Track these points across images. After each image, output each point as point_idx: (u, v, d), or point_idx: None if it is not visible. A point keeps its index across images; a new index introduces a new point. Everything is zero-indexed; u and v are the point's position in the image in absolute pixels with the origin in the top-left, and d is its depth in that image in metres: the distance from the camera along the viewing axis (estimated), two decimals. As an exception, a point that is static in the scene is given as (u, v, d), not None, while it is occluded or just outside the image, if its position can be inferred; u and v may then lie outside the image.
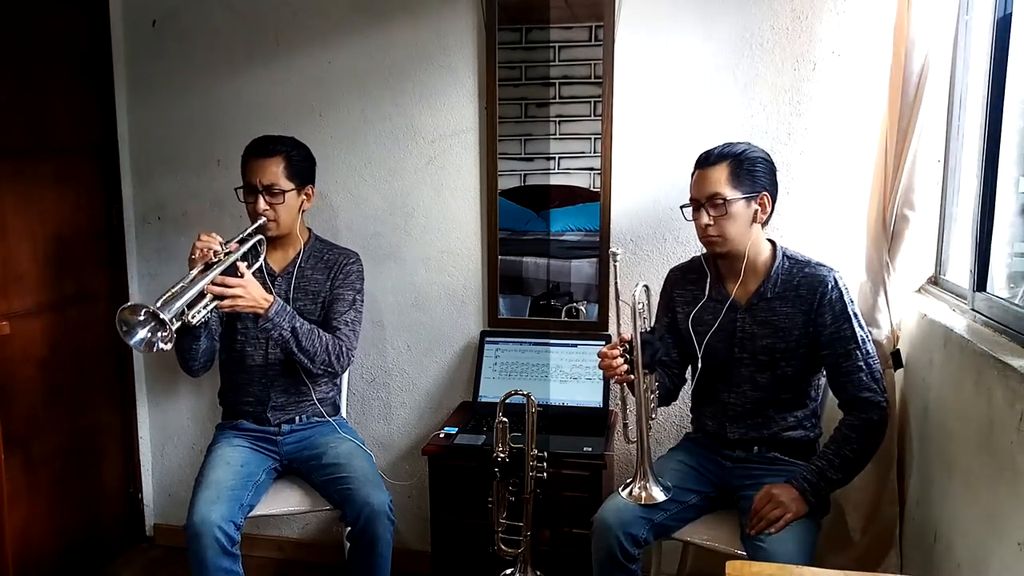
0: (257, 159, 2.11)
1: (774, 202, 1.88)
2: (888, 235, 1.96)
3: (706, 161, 1.84)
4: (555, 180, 2.41)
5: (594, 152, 2.37)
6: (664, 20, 2.28)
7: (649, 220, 2.37)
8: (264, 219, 2.10)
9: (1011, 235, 1.69)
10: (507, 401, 1.94)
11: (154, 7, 2.62)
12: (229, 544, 1.90)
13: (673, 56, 2.29)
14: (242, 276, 1.95)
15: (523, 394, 1.93)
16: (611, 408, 2.35)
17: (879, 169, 1.98)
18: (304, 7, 2.51)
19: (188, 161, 2.67)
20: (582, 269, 2.44)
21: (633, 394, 1.79)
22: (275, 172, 2.10)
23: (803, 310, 1.85)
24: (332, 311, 2.18)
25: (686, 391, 2.11)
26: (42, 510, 2.41)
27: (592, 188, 2.39)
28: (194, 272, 1.91)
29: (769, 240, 1.93)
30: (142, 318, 1.78)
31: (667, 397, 2.03)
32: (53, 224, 2.44)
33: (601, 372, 2.32)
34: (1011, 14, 1.59)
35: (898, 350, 1.99)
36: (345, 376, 2.38)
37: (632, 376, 1.77)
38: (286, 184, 2.12)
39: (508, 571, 2.05)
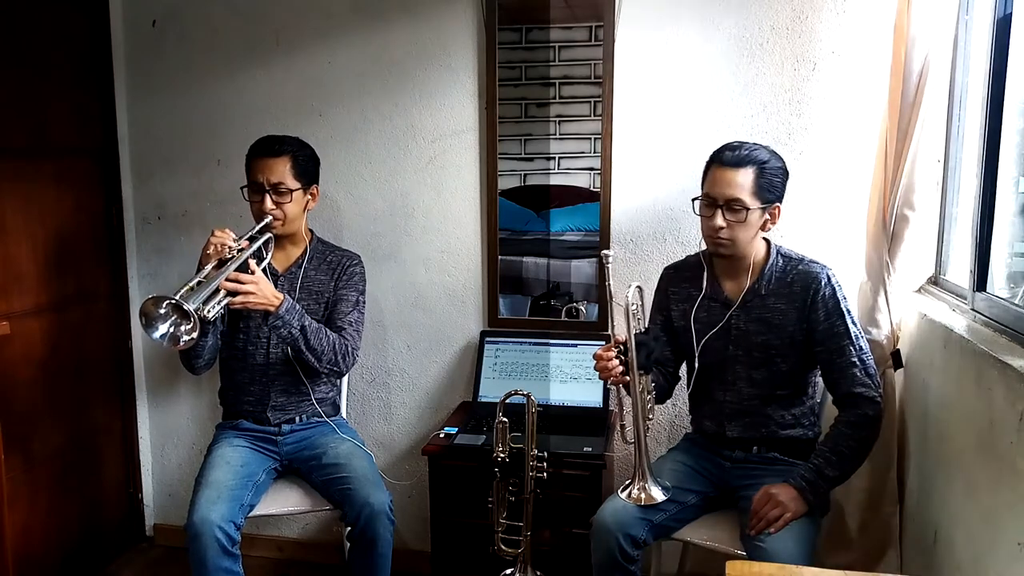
0: (264, 158, 2.11)
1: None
2: (888, 235, 1.96)
3: (731, 161, 1.79)
4: (555, 180, 2.41)
5: (594, 152, 2.37)
6: (664, 20, 2.28)
7: (649, 220, 2.37)
8: (270, 218, 2.10)
9: (1011, 235, 1.69)
10: (507, 401, 1.94)
11: (154, 7, 2.62)
12: (229, 544, 1.91)
13: (673, 56, 2.29)
14: (253, 273, 1.96)
15: (523, 394, 1.93)
16: (611, 408, 2.35)
17: (879, 169, 1.98)
18: (304, 7, 2.51)
19: (188, 161, 2.67)
20: (582, 269, 2.44)
21: (629, 395, 1.79)
22: (282, 171, 2.11)
23: (796, 306, 1.85)
24: (336, 312, 2.18)
25: (684, 392, 2.11)
26: (42, 510, 2.41)
27: (592, 188, 2.39)
28: (209, 267, 1.91)
29: (764, 239, 1.93)
30: (164, 311, 1.78)
31: (661, 395, 2.04)
32: (53, 224, 2.44)
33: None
34: (1011, 14, 1.59)
35: (898, 350, 1.99)
36: (345, 376, 2.38)
37: (628, 378, 1.77)
38: (293, 183, 2.12)
39: (508, 571, 2.05)
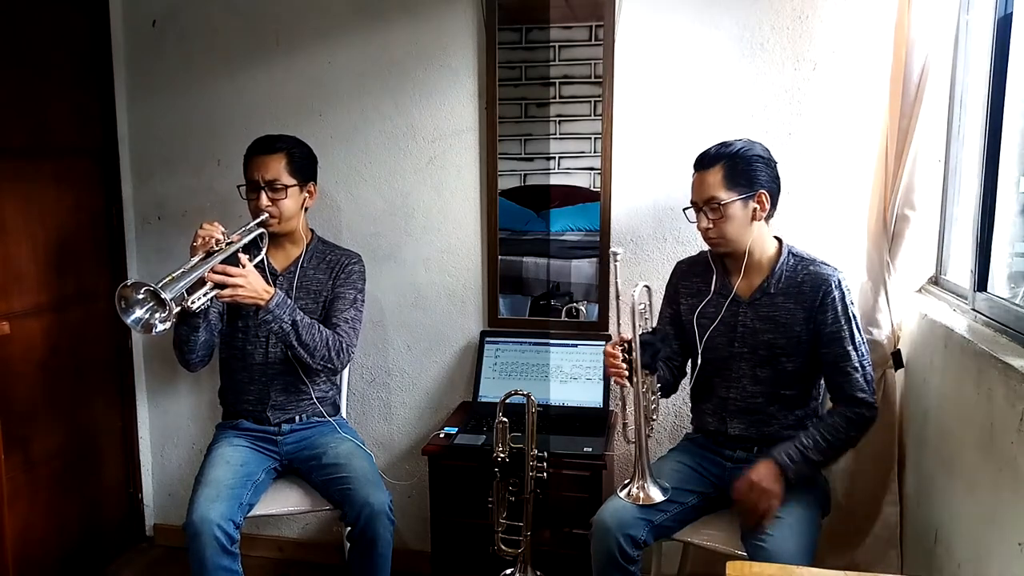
0: (259, 156, 2.12)
1: (775, 198, 1.87)
2: (888, 235, 1.96)
3: (701, 164, 1.86)
4: (555, 180, 2.41)
5: (594, 152, 2.36)
6: (664, 19, 2.28)
7: (649, 220, 2.37)
8: (266, 215, 2.10)
9: (1012, 235, 1.69)
10: (507, 401, 1.94)
11: (154, 7, 2.62)
12: (228, 543, 1.90)
13: (673, 55, 2.29)
14: (243, 267, 1.96)
15: (523, 394, 1.93)
16: (611, 408, 2.35)
17: (879, 169, 1.98)
18: (304, 7, 2.51)
19: (188, 161, 2.67)
20: (582, 269, 2.44)
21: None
22: (277, 168, 2.11)
23: (805, 307, 1.85)
24: (333, 309, 2.18)
25: (684, 392, 2.11)
26: (42, 510, 2.41)
27: (592, 188, 2.39)
28: (195, 259, 1.91)
29: (776, 238, 1.93)
30: (141, 296, 1.78)
31: (667, 389, 2.03)
32: (53, 224, 2.44)
33: (601, 371, 2.34)
34: (1011, 14, 1.59)
35: (899, 350, 1.99)
36: (345, 376, 2.38)
37: (630, 377, 1.77)
38: (288, 180, 2.12)
39: (508, 571, 2.05)
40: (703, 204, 1.84)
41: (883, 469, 1.99)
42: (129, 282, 1.79)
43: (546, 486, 1.98)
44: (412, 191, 2.52)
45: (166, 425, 2.83)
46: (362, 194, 2.56)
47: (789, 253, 1.91)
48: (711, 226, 1.84)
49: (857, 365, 1.80)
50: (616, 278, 1.79)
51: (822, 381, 1.94)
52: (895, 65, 1.91)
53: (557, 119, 2.39)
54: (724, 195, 1.81)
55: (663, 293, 2.10)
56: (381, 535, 1.99)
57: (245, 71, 2.58)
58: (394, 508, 2.04)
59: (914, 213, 1.94)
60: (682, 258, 2.10)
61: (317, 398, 2.23)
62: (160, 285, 1.76)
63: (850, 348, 1.81)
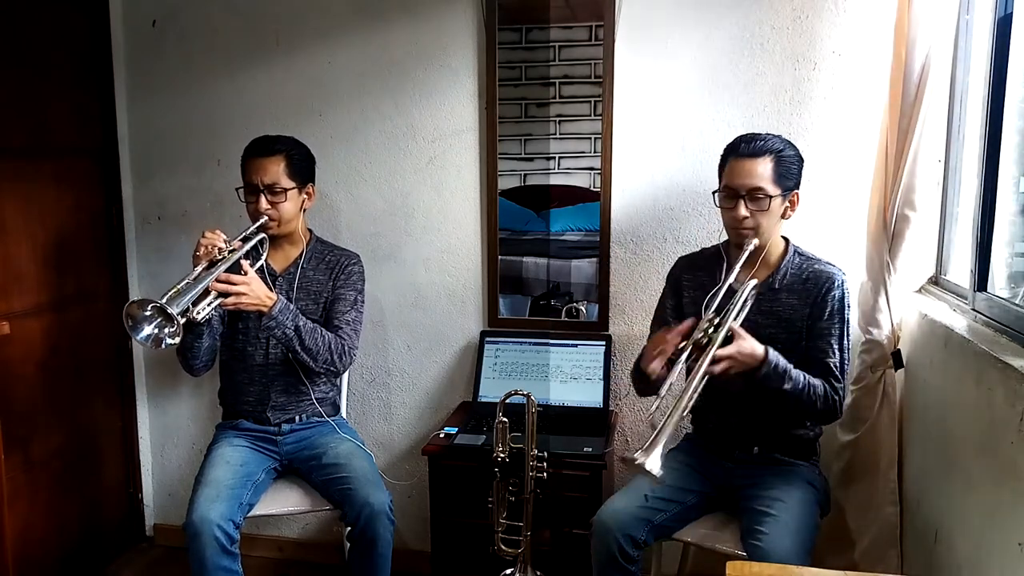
0: (258, 159, 2.12)
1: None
2: (888, 235, 1.96)
3: (749, 152, 1.83)
4: (555, 180, 2.41)
5: (594, 152, 2.36)
6: (664, 20, 2.27)
7: (649, 220, 2.37)
8: (266, 218, 2.10)
9: (1012, 235, 1.69)
10: (507, 401, 1.94)
11: (154, 7, 2.62)
12: (228, 543, 1.90)
13: (673, 55, 2.28)
14: (245, 274, 1.96)
15: (523, 394, 1.93)
16: (611, 408, 2.35)
17: (879, 169, 1.98)
18: (304, 7, 2.51)
19: (188, 161, 2.66)
20: (582, 269, 2.44)
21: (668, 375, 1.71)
22: (276, 171, 2.11)
23: (807, 302, 1.86)
24: (334, 311, 2.18)
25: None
26: (42, 510, 2.41)
27: (592, 188, 2.39)
28: (199, 269, 1.92)
29: (783, 237, 1.95)
30: (148, 313, 1.79)
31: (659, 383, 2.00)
32: (53, 224, 2.44)
33: (601, 371, 2.33)
34: (1011, 14, 1.59)
35: (899, 350, 1.99)
36: (345, 376, 2.38)
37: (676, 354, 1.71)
38: (287, 183, 2.12)
39: (508, 571, 2.05)
40: (745, 192, 1.82)
41: (882, 469, 1.99)
42: (135, 300, 1.79)
43: (546, 486, 1.98)
44: (412, 191, 2.52)
45: (166, 425, 2.83)
46: (362, 194, 2.56)
47: (795, 252, 1.93)
48: (748, 216, 1.82)
49: (836, 363, 1.82)
50: None
51: None
52: (895, 65, 1.91)
53: (557, 119, 2.39)
54: (771, 188, 1.81)
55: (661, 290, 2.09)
56: (381, 535, 1.99)
57: (245, 71, 2.58)
58: (394, 508, 2.04)
59: (914, 213, 1.94)
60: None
61: (317, 398, 2.23)
62: (166, 300, 1.76)
63: (834, 345, 1.82)
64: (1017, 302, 1.57)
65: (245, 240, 2.05)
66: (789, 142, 1.88)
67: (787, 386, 1.75)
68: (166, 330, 1.79)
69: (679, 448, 2.07)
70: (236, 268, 1.96)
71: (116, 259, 2.71)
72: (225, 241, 1.97)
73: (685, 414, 1.62)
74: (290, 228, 2.18)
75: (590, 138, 2.36)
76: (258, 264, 2.09)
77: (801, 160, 1.88)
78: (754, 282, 1.82)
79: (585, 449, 2.09)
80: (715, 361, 1.68)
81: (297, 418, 2.22)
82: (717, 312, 1.76)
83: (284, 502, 2.14)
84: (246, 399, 2.20)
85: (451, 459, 2.16)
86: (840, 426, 2.10)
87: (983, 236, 1.66)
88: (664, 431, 1.58)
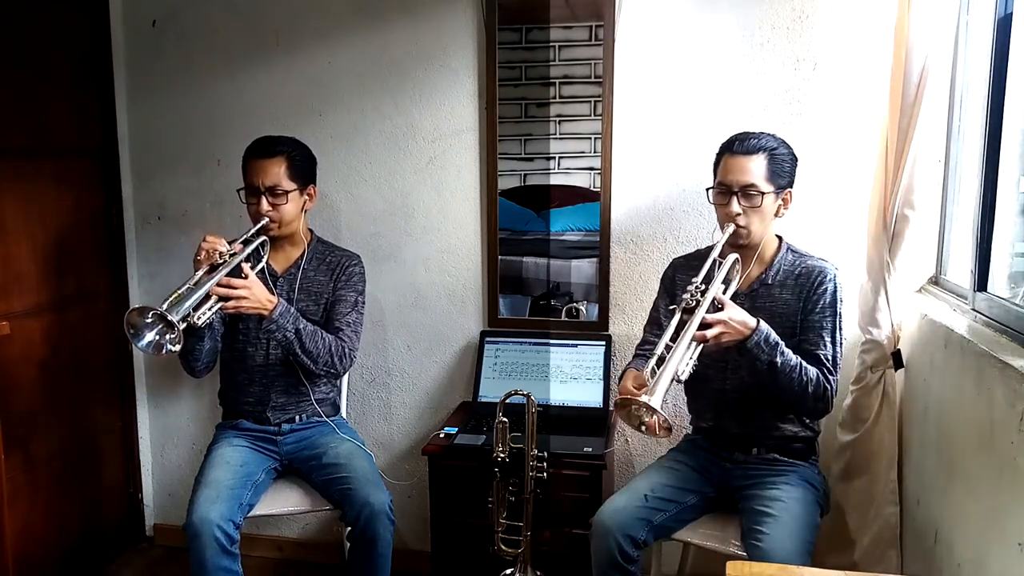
0: (258, 160, 2.11)
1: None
2: (888, 235, 1.96)
3: (743, 149, 1.84)
4: (555, 180, 2.41)
5: (594, 152, 2.36)
6: (664, 19, 2.28)
7: (649, 220, 2.37)
8: (266, 220, 2.10)
9: (1012, 235, 1.69)
10: (507, 401, 1.94)
11: (154, 7, 2.62)
12: (228, 543, 1.90)
13: (673, 55, 2.29)
14: (246, 277, 1.96)
15: (523, 394, 1.93)
16: (611, 408, 2.35)
17: (879, 169, 1.98)
18: (304, 7, 2.51)
19: (188, 161, 2.66)
20: (582, 269, 2.44)
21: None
22: (277, 173, 2.10)
23: (800, 296, 1.87)
24: (334, 312, 2.18)
25: (683, 394, 2.10)
26: (42, 510, 2.41)
27: (592, 188, 2.39)
28: (199, 273, 1.91)
29: (777, 235, 1.96)
30: (149, 320, 1.79)
31: None
32: (53, 224, 2.44)
33: (601, 371, 2.33)
34: (1011, 14, 1.58)
35: (899, 350, 1.99)
36: (345, 376, 2.38)
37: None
38: (288, 185, 2.11)
39: (508, 571, 2.05)
40: (738, 189, 1.83)
41: (883, 469, 1.99)
42: (135, 307, 1.79)
43: (546, 486, 1.98)
44: (412, 191, 2.52)
45: (166, 425, 2.83)
46: (362, 194, 2.56)
47: (788, 249, 1.93)
48: (741, 213, 1.83)
49: (828, 355, 1.82)
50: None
51: None
52: (895, 65, 1.91)
53: (557, 119, 2.39)
54: (764, 186, 1.82)
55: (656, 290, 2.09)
56: (381, 535, 1.99)
57: (245, 71, 2.58)
58: (394, 508, 2.04)
59: (914, 213, 1.94)
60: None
61: (317, 399, 2.23)
62: (166, 307, 1.77)
63: (826, 338, 1.83)
64: (1017, 302, 1.57)
65: (246, 243, 2.05)
66: (783, 140, 1.88)
67: (778, 360, 1.74)
68: (167, 336, 1.79)
69: (678, 448, 2.07)
70: (237, 271, 1.95)
71: (116, 259, 2.71)
72: (226, 245, 1.97)
73: (681, 376, 1.62)
74: (291, 229, 2.18)
75: (590, 138, 2.36)
76: (259, 267, 2.09)
77: (795, 159, 1.89)
78: (735, 256, 1.82)
79: (585, 449, 2.09)
80: (706, 326, 1.68)
81: (297, 418, 2.21)
82: (704, 281, 1.75)
83: (284, 502, 2.14)
84: (246, 399, 2.20)
85: (451, 459, 2.16)
86: (840, 426, 2.10)
87: (983, 236, 1.66)
88: (662, 378, 1.59)
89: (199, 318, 1.86)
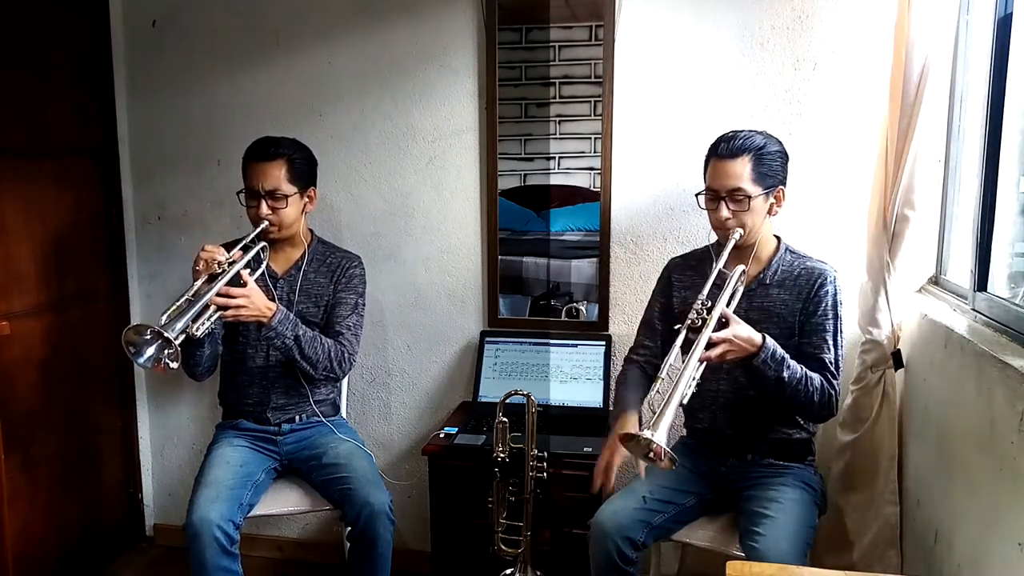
0: (258, 163, 2.09)
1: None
2: (888, 235, 1.95)
3: (727, 152, 1.81)
4: (555, 180, 2.41)
5: (594, 152, 2.36)
6: (664, 20, 2.28)
7: (649, 220, 2.37)
8: (266, 223, 2.09)
9: (1012, 235, 1.69)
10: (507, 401, 1.94)
11: (154, 7, 2.62)
12: (228, 543, 1.90)
13: (673, 55, 2.29)
14: (245, 285, 1.95)
15: (523, 394, 1.93)
16: (611, 408, 2.35)
17: (879, 169, 1.98)
18: (304, 7, 2.51)
19: (188, 161, 2.66)
20: (582, 269, 2.44)
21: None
22: (277, 176, 2.09)
23: (800, 297, 1.86)
24: (334, 315, 2.18)
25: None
26: (42, 510, 2.41)
27: (592, 188, 2.39)
28: (198, 283, 1.90)
29: (775, 235, 1.95)
30: (148, 337, 1.79)
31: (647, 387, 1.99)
32: (53, 224, 2.44)
33: (601, 371, 2.33)
34: (1011, 14, 1.58)
35: (899, 350, 1.99)
36: (343, 380, 2.38)
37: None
38: (288, 188, 2.10)
39: (508, 571, 2.05)
40: (726, 193, 1.81)
41: (883, 469, 1.99)
42: (132, 325, 1.79)
43: (546, 486, 1.98)
44: (412, 191, 2.52)
45: (166, 425, 2.83)
46: (362, 194, 2.56)
47: (787, 249, 1.93)
48: (731, 216, 1.82)
49: (831, 359, 1.81)
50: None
51: None
52: (895, 65, 1.91)
53: (557, 119, 2.39)
54: (751, 188, 1.80)
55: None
56: (381, 535, 1.99)
57: (245, 71, 2.58)
58: (394, 508, 2.04)
59: (914, 213, 1.93)
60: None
61: (318, 400, 2.23)
62: (165, 322, 1.76)
63: (829, 341, 1.82)
64: (1017, 302, 1.57)
65: (245, 249, 2.03)
66: (772, 137, 1.86)
67: (785, 374, 1.73)
68: (166, 352, 1.78)
69: (675, 450, 2.05)
70: (236, 279, 1.95)
71: (116, 259, 2.71)
72: (224, 254, 1.95)
73: (684, 400, 1.58)
74: (291, 232, 2.17)
75: (590, 138, 2.36)
76: (258, 272, 2.08)
77: (785, 155, 1.86)
78: (742, 267, 1.81)
79: (585, 449, 2.09)
80: (712, 345, 1.66)
81: (297, 418, 2.21)
82: (709, 297, 1.73)
83: (284, 502, 2.14)
84: (246, 400, 2.20)
85: (451, 459, 2.16)
86: (840, 426, 2.10)
87: (983, 236, 1.66)
88: (667, 410, 1.53)
89: (197, 329, 1.85)
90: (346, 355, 2.14)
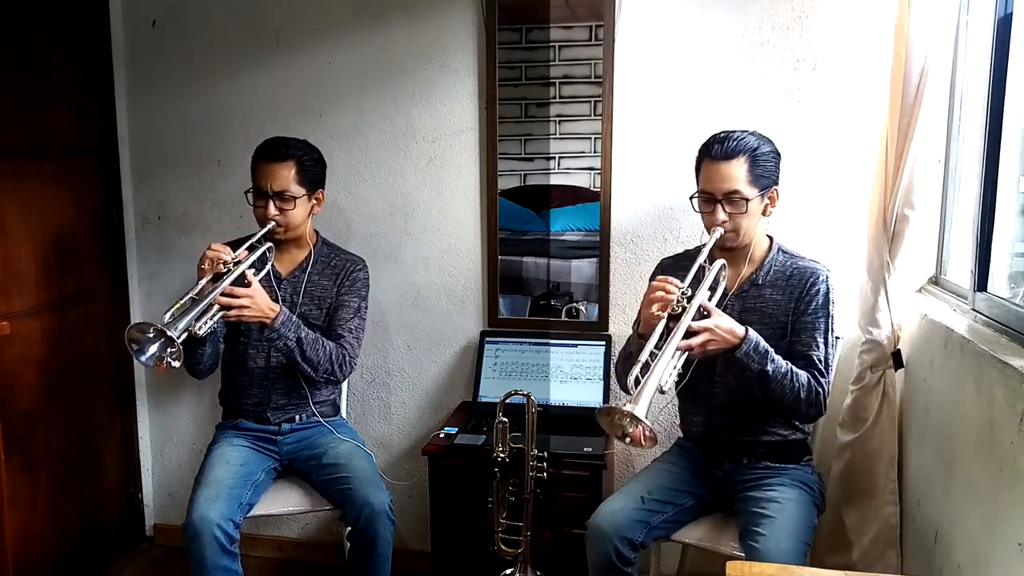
0: (268, 163, 2.09)
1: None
2: (888, 235, 1.95)
3: (722, 154, 1.80)
4: (555, 180, 2.41)
5: (594, 152, 2.36)
6: (664, 20, 2.28)
7: (649, 220, 2.37)
8: (273, 224, 2.09)
9: (1012, 235, 1.69)
10: (507, 401, 1.94)
11: (154, 7, 2.62)
12: (228, 542, 1.90)
13: (673, 55, 2.29)
14: (249, 285, 1.95)
15: (523, 394, 1.93)
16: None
17: (879, 169, 1.98)
18: (304, 7, 2.51)
19: (188, 161, 2.66)
20: (582, 269, 2.44)
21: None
22: (286, 177, 2.08)
23: (791, 296, 1.86)
24: (337, 318, 2.17)
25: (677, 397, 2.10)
26: (42, 510, 2.41)
27: (592, 188, 2.39)
28: (203, 282, 1.91)
29: (768, 235, 1.95)
30: (151, 335, 1.79)
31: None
32: (53, 224, 2.44)
33: (601, 371, 2.33)
34: (1011, 14, 1.58)
35: (899, 350, 1.99)
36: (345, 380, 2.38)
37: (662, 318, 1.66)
38: (297, 190, 2.10)
39: (508, 571, 2.05)
40: (722, 196, 1.80)
41: (883, 469, 1.99)
42: (134, 324, 1.79)
43: (546, 486, 1.98)
44: (412, 191, 2.52)
45: (166, 425, 2.83)
46: (362, 194, 2.56)
47: (779, 250, 1.92)
48: (727, 219, 1.81)
49: (820, 356, 1.81)
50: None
51: None
52: (895, 65, 1.90)
53: (557, 119, 2.39)
54: (748, 190, 1.79)
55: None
56: (381, 535, 1.99)
57: (245, 71, 2.58)
58: (394, 508, 2.04)
59: (914, 213, 1.93)
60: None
61: (319, 400, 2.23)
62: (168, 320, 1.76)
63: (818, 339, 1.82)
64: (1017, 302, 1.57)
65: (251, 249, 2.03)
66: (765, 137, 1.85)
67: (769, 367, 1.72)
68: (168, 351, 1.78)
69: (672, 452, 2.06)
70: (240, 279, 1.95)
71: (116, 259, 2.71)
72: (231, 254, 1.95)
73: (665, 387, 1.56)
74: (297, 233, 2.17)
75: (590, 138, 2.36)
76: (262, 273, 2.08)
77: (777, 155, 1.86)
78: (722, 262, 1.80)
79: (585, 449, 2.09)
80: (693, 334, 1.65)
81: (297, 418, 2.21)
82: (690, 286, 1.72)
83: (284, 502, 2.14)
84: (247, 400, 2.20)
85: (451, 459, 2.16)
86: (840, 426, 2.10)
87: (983, 236, 1.66)
88: (646, 388, 1.52)
89: (200, 328, 1.85)
90: (347, 358, 2.14)
